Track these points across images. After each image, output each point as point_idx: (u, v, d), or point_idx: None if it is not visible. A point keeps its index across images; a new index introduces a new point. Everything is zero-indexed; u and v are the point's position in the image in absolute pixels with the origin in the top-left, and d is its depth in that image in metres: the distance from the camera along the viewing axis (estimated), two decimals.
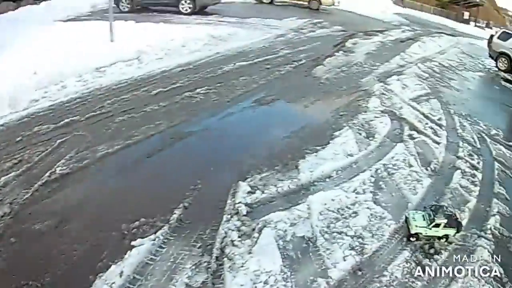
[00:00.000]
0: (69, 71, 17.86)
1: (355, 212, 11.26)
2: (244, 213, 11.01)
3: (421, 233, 10.84)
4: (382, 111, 18.58)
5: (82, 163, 12.39)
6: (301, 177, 12.71)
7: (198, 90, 18.62)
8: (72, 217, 10.45)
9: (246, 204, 11.33)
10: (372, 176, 13.30)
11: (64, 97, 16.33)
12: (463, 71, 25.11)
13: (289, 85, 20.55)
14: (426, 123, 17.96)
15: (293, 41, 27.01)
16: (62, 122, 14.42)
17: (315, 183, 12.64)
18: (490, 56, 24.84)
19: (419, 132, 17.05)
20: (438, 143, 16.34)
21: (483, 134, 17.75)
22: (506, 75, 23.34)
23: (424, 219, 11.03)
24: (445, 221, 10.69)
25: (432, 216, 10.92)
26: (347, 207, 11.65)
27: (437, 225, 10.73)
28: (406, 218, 11.43)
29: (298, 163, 13.50)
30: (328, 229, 10.80)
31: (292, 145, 14.92)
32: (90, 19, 25.14)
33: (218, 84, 19.59)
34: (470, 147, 16.38)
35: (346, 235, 10.67)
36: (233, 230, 10.42)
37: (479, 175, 14.43)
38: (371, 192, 12.45)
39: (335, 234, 10.66)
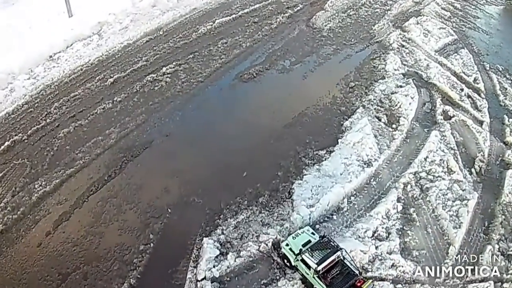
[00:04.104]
0: (20, 66, 15.39)
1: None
2: None
3: (288, 258, 8.09)
4: (404, 75, 14.26)
5: (17, 213, 9.91)
6: (295, 218, 8.77)
7: (164, 69, 14.46)
8: None
9: (213, 280, 7.68)
10: (399, 199, 9.41)
11: (11, 106, 13.63)
12: (485, 5, 20.43)
13: (282, 45, 16.06)
14: (461, 89, 13.70)
15: None
16: (3, 147, 11.93)
17: (317, 226, 8.77)
18: None
19: (454, 105, 12.93)
20: (480, 122, 12.27)
21: None
22: None
23: (303, 246, 8.00)
24: (315, 265, 7.56)
25: (306, 249, 7.87)
26: (363, 268, 7.92)
27: (304, 262, 7.74)
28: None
29: (293, 189, 9.55)
30: None
31: (285, 152, 10.89)
32: None
33: (191, 56, 15.23)
34: None
35: None
36: None
37: None
38: (397, 233, 8.62)
39: None
